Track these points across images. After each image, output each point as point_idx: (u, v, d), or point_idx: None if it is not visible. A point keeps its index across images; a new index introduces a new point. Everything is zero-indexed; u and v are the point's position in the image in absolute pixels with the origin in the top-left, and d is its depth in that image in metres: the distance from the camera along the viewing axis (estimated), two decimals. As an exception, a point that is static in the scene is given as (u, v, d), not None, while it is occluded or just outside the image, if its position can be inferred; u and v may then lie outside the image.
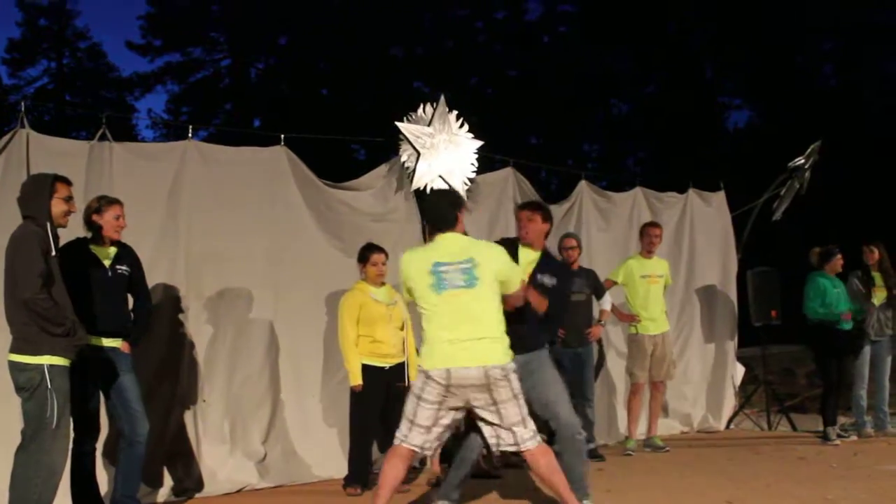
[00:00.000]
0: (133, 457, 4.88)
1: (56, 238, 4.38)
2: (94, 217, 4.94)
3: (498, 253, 4.48)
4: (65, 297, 4.31)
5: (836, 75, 26.07)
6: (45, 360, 4.19)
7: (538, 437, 4.41)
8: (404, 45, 28.83)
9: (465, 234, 4.66)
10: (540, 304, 4.79)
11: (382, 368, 5.95)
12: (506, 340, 4.35)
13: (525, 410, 4.37)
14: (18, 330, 4.23)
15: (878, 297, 8.14)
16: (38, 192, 4.38)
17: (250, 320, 6.34)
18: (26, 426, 4.22)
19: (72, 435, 4.48)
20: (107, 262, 4.95)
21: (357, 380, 5.85)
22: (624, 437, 7.87)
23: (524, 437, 4.34)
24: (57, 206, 4.39)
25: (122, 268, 5.01)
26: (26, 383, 4.19)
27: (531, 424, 4.39)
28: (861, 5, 22.62)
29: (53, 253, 4.28)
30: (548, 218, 5.18)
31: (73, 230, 4.85)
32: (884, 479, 5.88)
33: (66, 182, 4.51)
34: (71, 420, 4.39)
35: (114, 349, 4.90)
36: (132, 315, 5.12)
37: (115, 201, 5.03)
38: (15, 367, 4.21)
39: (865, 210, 19.18)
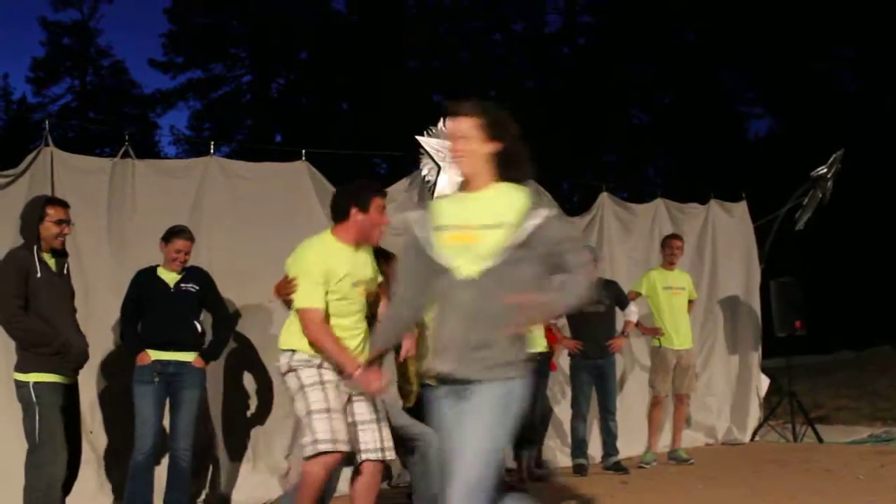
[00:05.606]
0: (175, 469, 5.14)
1: (62, 257, 4.56)
2: (160, 246, 5.22)
3: None
4: (57, 317, 4.45)
5: (855, 81, 25.92)
6: (32, 377, 4.37)
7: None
8: (422, 58, 28.93)
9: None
10: None
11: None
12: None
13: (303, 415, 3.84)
14: (17, 350, 4.46)
15: None
16: (29, 216, 4.51)
17: (272, 335, 6.31)
18: (27, 440, 4.40)
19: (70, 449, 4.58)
20: (171, 283, 5.20)
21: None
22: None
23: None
24: (47, 230, 4.49)
25: (188, 285, 5.24)
26: (21, 399, 4.41)
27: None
28: (877, 10, 22.49)
29: (39, 275, 4.39)
30: None
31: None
32: (912, 491, 5.80)
33: (61, 204, 4.59)
34: (62, 433, 4.45)
35: (183, 363, 5.13)
36: (203, 329, 5.34)
37: (181, 231, 5.27)
38: (15, 385, 4.45)
39: (889, 217, 19.04)
